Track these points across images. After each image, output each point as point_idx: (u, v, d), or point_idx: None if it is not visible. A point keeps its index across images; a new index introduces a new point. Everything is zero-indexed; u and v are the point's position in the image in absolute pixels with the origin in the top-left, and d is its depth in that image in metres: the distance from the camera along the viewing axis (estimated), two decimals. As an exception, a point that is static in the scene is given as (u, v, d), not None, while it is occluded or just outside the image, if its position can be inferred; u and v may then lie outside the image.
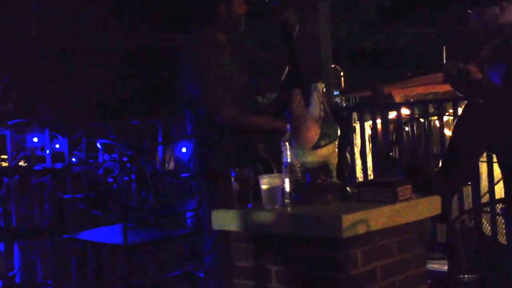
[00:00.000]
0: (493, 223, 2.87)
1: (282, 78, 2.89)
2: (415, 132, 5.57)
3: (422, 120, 5.31)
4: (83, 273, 4.16)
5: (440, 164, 3.42)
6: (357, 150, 5.29)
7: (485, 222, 2.92)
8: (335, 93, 12.04)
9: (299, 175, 2.21)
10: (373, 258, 2.04)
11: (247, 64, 2.90)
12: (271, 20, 2.88)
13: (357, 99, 13.72)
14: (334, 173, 2.21)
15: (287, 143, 2.20)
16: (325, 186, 2.18)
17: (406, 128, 5.40)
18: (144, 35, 10.39)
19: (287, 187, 2.19)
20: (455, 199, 3.90)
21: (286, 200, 2.18)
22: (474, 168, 3.87)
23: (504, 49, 3.19)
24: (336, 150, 2.20)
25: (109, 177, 4.38)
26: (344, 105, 12.03)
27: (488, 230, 2.89)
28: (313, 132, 2.15)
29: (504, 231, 2.75)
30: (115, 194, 4.27)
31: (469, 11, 3.33)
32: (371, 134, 5.93)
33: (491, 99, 3.22)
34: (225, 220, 2.21)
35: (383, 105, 6.76)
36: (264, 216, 2.11)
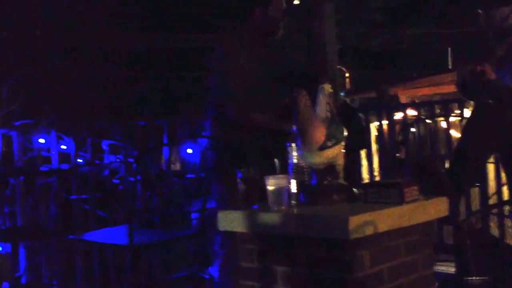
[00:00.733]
0: (501, 225, 2.85)
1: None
2: (421, 133, 5.55)
3: (428, 121, 5.29)
4: (89, 273, 4.16)
5: (447, 165, 3.41)
6: (363, 151, 5.27)
7: (493, 224, 2.90)
8: (341, 94, 12.01)
9: (306, 176, 2.20)
10: (380, 260, 2.02)
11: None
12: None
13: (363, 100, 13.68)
14: (341, 174, 2.20)
15: (293, 144, 2.20)
16: (332, 187, 2.17)
17: (412, 129, 5.38)
18: (151, 36, 10.40)
19: (294, 188, 2.18)
20: (462, 200, 3.88)
21: (293, 201, 2.17)
22: (482, 169, 3.85)
23: None
24: (343, 151, 2.19)
25: (114, 178, 4.38)
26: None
27: (495, 232, 2.88)
28: (320, 133, 2.14)
29: (512, 232, 2.74)
30: (121, 195, 4.27)
31: (479, 11, 3.32)
32: (377, 135, 5.90)
33: (503, 100, 3.21)
34: (230, 220, 2.20)
35: (389, 106, 6.74)
36: (270, 217, 2.10)
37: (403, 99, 10.71)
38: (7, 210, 4.09)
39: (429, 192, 2.25)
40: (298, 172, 2.20)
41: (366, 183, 2.37)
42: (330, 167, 2.17)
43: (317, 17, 4.42)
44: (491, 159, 3.79)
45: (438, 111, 4.62)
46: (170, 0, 10.64)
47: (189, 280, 3.75)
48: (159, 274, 4.06)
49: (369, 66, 14.60)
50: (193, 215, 3.18)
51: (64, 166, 4.16)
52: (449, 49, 10.66)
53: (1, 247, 3.99)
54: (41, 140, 4.18)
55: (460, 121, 3.95)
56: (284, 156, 2.23)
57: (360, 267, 1.96)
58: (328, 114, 2.16)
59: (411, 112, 5.60)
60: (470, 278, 2.40)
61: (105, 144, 4.44)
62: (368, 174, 4.61)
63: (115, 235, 3.06)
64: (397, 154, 4.62)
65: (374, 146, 5.09)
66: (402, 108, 4.87)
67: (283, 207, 2.12)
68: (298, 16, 2.88)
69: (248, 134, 2.76)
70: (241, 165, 2.23)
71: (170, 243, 3.50)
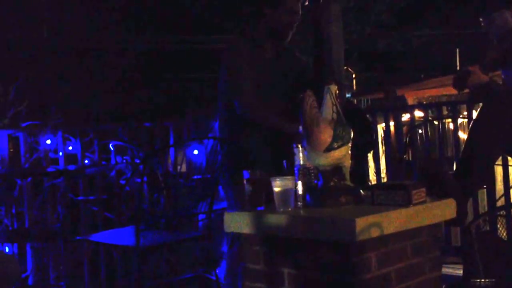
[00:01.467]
0: (509, 227, 2.83)
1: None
2: (429, 134, 5.53)
3: (436, 122, 5.28)
4: (96, 275, 4.17)
5: (455, 167, 3.39)
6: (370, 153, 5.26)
7: (500, 226, 2.89)
8: (348, 95, 11.99)
9: (312, 177, 2.19)
10: (387, 262, 2.01)
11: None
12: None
13: (369, 101, 13.66)
14: (348, 176, 2.19)
15: (299, 146, 2.19)
16: (339, 189, 2.16)
17: (420, 131, 5.36)
18: (160, 38, 10.43)
19: (300, 190, 2.17)
20: (470, 202, 3.86)
21: (299, 203, 2.17)
22: (490, 171, 3.83)
23: None
24: (350, 152, 2.18)
25: (121, 179, 4.38)
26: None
27: (503, 234, 2.86)
28: (326, 135, 2.13)
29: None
30: (128, 196, 4.27)
31: (480, 19, 3.32)
32: (384, 137, 5.89)
33: (501, 100, 3.20)
34: (237, 222, 2.20)
35: (396, 107, 6.72)
36: (276, 219, 2.09)
37: (410, 101, 10.68)
38: (14, 211, 4.10)
39: (436, 194, 2.24)
40: (304, 173, 2.19)
41: (373, 185, 2.36)
42: (336, 169, 2.16)
43: (324, 18, 4.41)
44: (499, 161, 3.77)
45: (445, 112, 4.60)
46: (179, 3, 10.67)
47: (196, 282, 3.75)
48: (166, 276, 4.05)
49: (376, 68, 14.58)
50: (200, 217, 3.17)
51: (71, 167, 4.17)
52: (457, 50, 10.63)
53: (8, 248, 4.00)
54: (48, 141, 4.19)
55: (468, 122, 3.93)
56: (292, 157, 2.22)
57: (367, 269, 1.95)
58: (335, 115, 2.15)
59: (419, 114, 5.59)
60: (478, 280, 2.38)
61: (111, 145, 4.45)
62: (375, 176, 4.60)
63: (121, 236, 3.06)
64: (404, 156, 4.60)
65: (381, 148, 5.07)
66: (410, 109, 4.86)
67: (290, 209, 2.12)
68: (304, 17, 2.88)
69: (257, 134, 2.76)
70: (250, 167, 2.23)
71: (176, 244, 3.50)
